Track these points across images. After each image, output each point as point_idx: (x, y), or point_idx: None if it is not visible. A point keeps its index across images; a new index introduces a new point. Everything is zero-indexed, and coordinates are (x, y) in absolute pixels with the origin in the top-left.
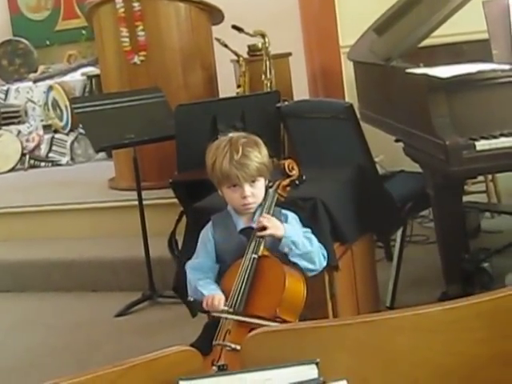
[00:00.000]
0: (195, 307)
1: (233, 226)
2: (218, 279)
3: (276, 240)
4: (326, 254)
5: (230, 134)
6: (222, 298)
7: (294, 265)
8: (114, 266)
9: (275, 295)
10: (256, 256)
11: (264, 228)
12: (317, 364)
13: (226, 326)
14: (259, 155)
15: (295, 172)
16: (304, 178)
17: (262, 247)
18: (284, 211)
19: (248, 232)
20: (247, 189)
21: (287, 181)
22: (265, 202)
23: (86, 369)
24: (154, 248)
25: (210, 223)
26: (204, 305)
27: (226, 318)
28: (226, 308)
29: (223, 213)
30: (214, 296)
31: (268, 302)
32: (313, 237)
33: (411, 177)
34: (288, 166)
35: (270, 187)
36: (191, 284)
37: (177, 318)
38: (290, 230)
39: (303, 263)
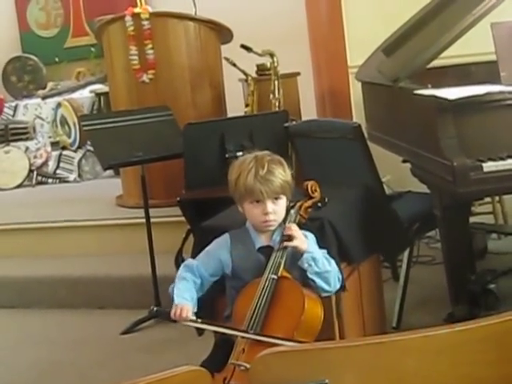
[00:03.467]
0: (162, 316)
1: (251, 243)
2: (231, 295)
3: (298, 254)
4: (341, 278)
5: (255, 153)
6: (190, 309)
7: (311, 282)
8: (121, 283)
9: (294, 318)
10: (275, 277)
11: (290, 238)
12: None
13: (241, 345)
14: (283, 173)
15: (317, 194)
16: (326, 200)
17: (281, 268)
18: (303, 231)
19: (266, 251)
20: (269, 205)
21: (309, 202)
22: (286, 222)
23: None
24: (160, 266)
25: (226, 237)
26: (172, 314)
27: (199, 328)
28: (194, 318)
29: (241, 229)
30: (182, 307)
31: (286, 324)
32: (331, 259)
33: (418, 197)
34: (311, 188)
35: (292, 207)
36: (175, 280)
37: (183, 336)
38: (312, 246)
39: (319, 282)
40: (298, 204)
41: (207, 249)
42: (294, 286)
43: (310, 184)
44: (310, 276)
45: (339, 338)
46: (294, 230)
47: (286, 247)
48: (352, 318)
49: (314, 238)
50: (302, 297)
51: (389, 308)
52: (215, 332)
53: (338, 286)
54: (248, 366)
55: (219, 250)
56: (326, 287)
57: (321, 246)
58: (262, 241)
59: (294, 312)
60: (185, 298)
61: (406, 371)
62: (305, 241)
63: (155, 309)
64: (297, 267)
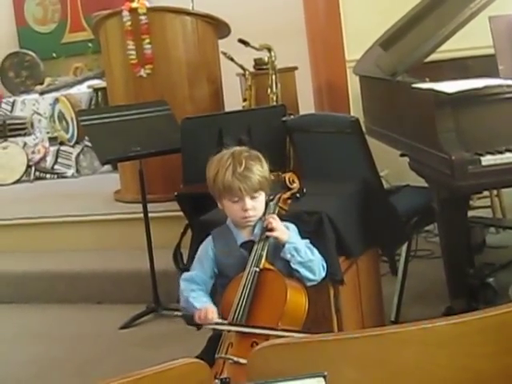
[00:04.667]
0: (186, 321)
1: (233, 240)
2: (219, 293)
3: (279, 245)
4: (325, 266)
5: (232, 148)
6: (215, 310)
7: (296, 273)
8: (119, 278)
9: (277, 308)
10: (257, 269)
11: (271, 229)
12: (324, 377)
13: (228, 339)
14: (261, 169)
15: (296, 185)
16: (304, 190)
17: (263, 260)
18: (284, 223)
19: (249, 246)
20: (248, 202)
21: (288, 194)
22: (265, 215)
23: (90, 381)
24: (158, 261)
25: (209, 238)
26: (196, 318)
27: (225, 330)
28: (219, 320)
29: (223, 227)
30: (206, 309)
31: (270, 315)
32: (313, 248)
33: (416, 191)
34: (289, 179)
35: (271, 200)
36: (183, 295)
37: (181, 331)
38: (294, 236)
39: (303, 271)
40: (277, 196)
41: (197, 255)
42: (276, 276)
43: (287, 176)
44: (294, 266)
45: (338, 332)
46: (274, 221)
47: (266, 238)
48: (350, 311)
49: (296, 229)
50: (285, 287)
51: (387, 302)
52: (241, 333)
53: (323, 275)
54: (236, 359)
55: (207, 251)
56: (310, 276)
57: (302, 237)
58: (243, 236)
59: (277, 302)
60: (205, 302)
61: (404, 363)
62: (285, 231)
63: (179, 314)
64: (280, 259)
